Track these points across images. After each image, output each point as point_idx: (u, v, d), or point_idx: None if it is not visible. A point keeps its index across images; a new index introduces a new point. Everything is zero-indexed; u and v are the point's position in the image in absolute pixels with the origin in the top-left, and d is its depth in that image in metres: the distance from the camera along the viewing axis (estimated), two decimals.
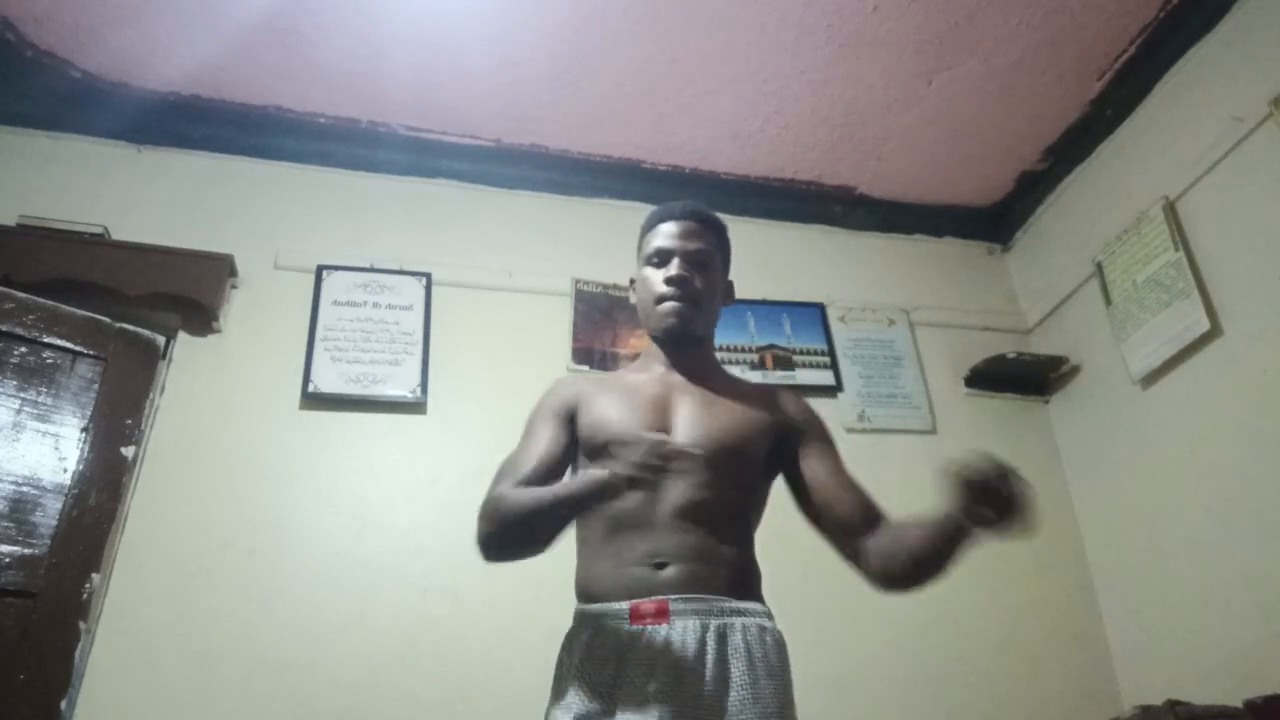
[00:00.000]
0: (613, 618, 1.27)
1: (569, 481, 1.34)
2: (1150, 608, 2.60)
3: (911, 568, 1.29)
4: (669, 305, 1.47)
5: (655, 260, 1.51)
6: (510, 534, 1.29)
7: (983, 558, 2.73)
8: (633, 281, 1.58)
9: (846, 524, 1.38)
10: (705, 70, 2.76)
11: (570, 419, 1.45)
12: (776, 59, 2.73)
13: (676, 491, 1.32)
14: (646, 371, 1.52)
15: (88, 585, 2.07)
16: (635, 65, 2.73)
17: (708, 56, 2.71)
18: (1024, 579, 2.75)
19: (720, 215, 1.58)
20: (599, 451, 1.37)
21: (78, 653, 2.02)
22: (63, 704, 1.96)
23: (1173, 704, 2.06)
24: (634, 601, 1.26)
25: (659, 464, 1.17)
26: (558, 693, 1.28)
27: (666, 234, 1.51)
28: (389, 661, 2.24)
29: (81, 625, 2.04)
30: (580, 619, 1.33)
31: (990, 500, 1.11)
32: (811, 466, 1.44)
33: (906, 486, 2.83)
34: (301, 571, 2.30)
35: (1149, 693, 2.35)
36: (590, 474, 1.24)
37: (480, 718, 2.21)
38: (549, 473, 1.37)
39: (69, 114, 2.72)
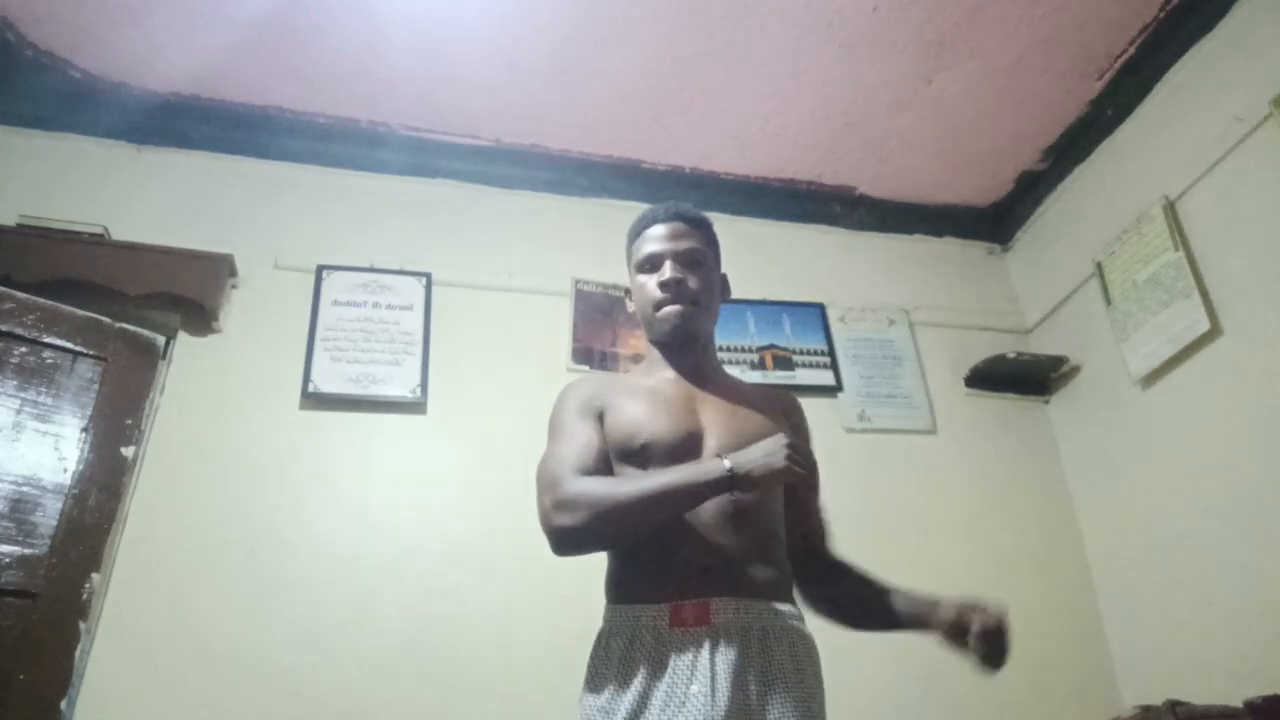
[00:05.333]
0: (652, 619, 1.26)
1: (682, 470, 1.26)
2: (1150, 608, 2.60)
3: (851, 613, 1.42)
4: (668, 310, 1.45)
5: (647, 266, 1.49)
6: (611, 525, 1.24)
7: (983, 558, 2.75)
8: (628, 291, 1.56)
9: (791, 537, 1.44)
10: (705, 70, 2.76)
11: (600, 418, 1.40)
12: (776, 59, 2.72)
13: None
14: (655, 376, 1.49)
15: (88, 585, 2.07)
16: (635, 65, 2.73)
17: (708, 56, 2.71)
18: (1024, 579, 2.75)
19: (720, 215, 1.59)
20: (636, 454, 1.35)
21: (78, 653, 2.02)
22: (63, 704, 1.96)
23: (1173, 704, 2.06)
24: (674, 603, 1.25)
25: (798, 469, 1.23)
26: (595, 694, 1.26)
27: (654, 238, 1.49)
28: (389, 661, 2.24)
29: (81, 625, 2.04)
30: (615, 619, 1.31)
31: (973, 637, 1.23)
32: None
33: (906, 486, 2.87)
34: (301, 572, 2.30)
35: (1149, 693, 2.35)
36: (710, 465, 1.24)
37: (480, 717, 2.21)
38: (605, 468, 1.34)
39: (69, 114, 2.72)
